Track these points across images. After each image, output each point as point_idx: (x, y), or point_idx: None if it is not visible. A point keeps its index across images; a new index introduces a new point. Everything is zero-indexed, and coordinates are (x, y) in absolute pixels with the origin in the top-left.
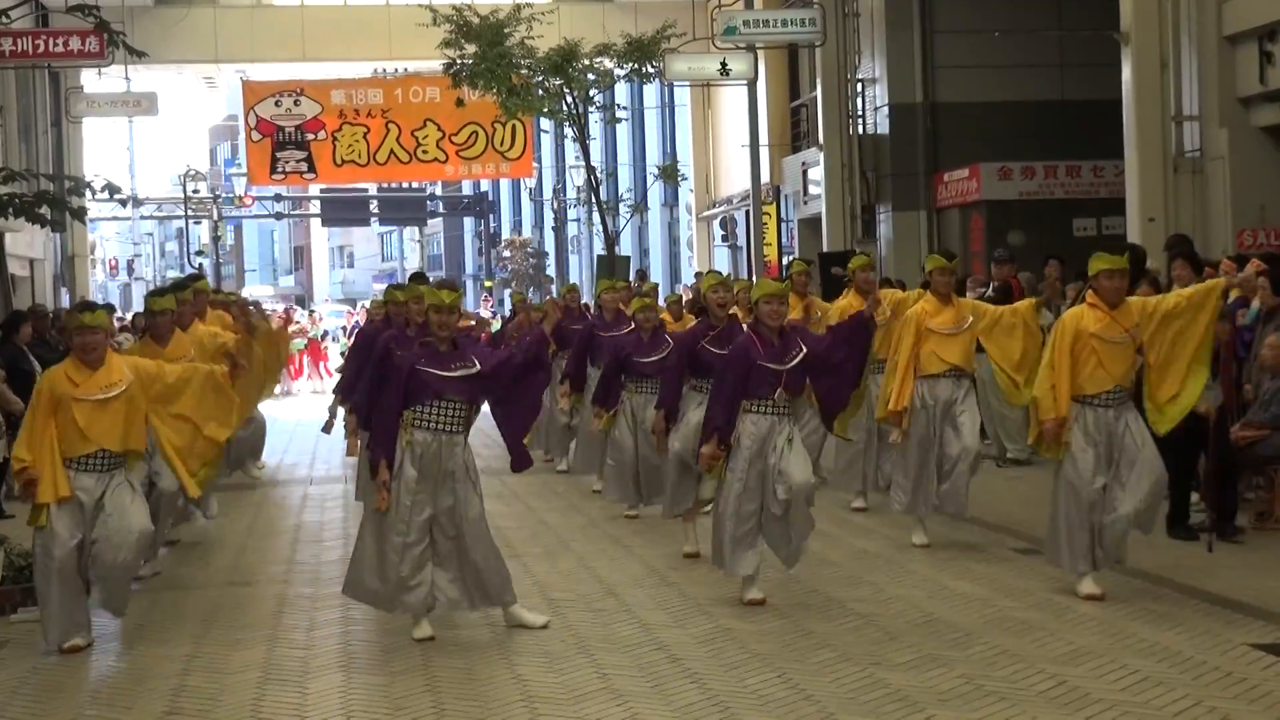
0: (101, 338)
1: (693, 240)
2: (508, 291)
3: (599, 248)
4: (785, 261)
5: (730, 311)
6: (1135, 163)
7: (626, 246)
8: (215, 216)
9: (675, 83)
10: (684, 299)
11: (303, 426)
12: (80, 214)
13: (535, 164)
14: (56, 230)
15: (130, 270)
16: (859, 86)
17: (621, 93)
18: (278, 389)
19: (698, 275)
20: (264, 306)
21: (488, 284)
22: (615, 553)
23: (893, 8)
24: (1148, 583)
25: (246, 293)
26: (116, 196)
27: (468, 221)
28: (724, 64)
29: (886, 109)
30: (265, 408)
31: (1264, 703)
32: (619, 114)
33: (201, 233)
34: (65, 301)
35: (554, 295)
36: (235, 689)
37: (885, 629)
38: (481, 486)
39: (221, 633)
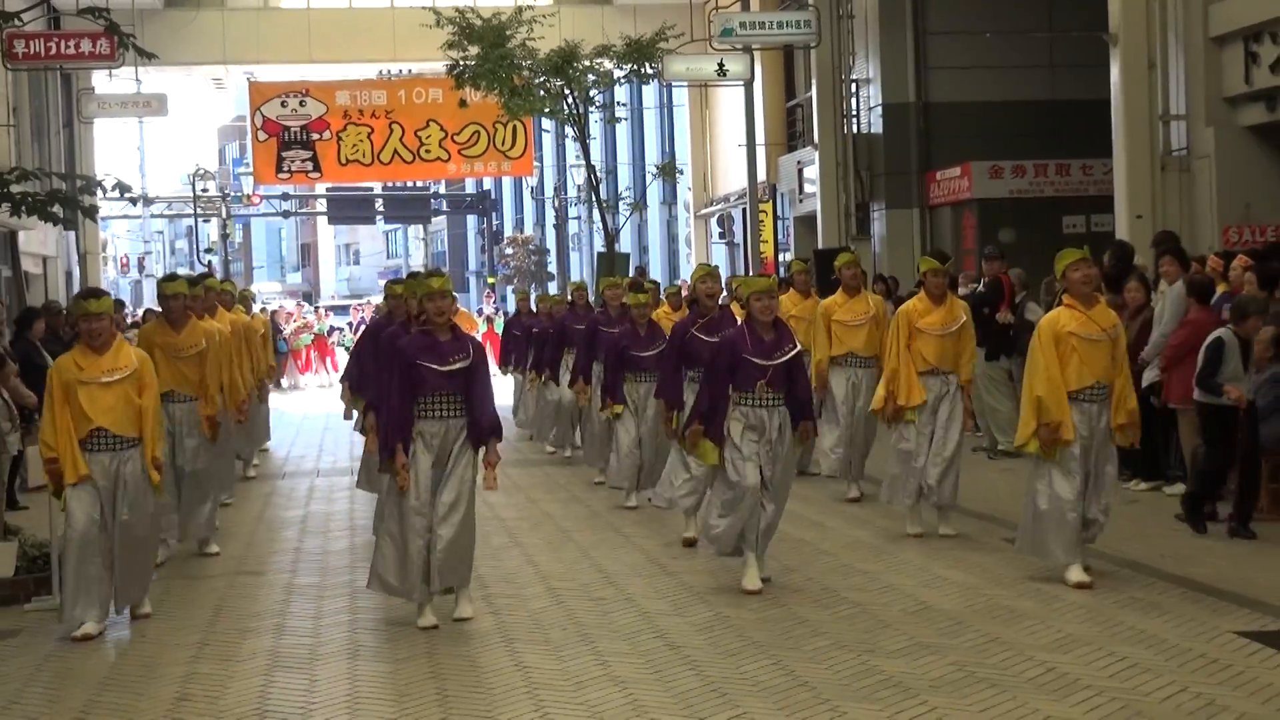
0: (106, 323)
1: (691, 237)
2: (510, 288)
3: (599, 245)
4: (781, 258)
5: (724, 303)
6: (1123, 161)
7: (626, 244)
8: (224, 215)
9: (673, 83)
10: (683, 292)
11: (310, 420)
12: (92, 212)
13: (536, 163)
14: (69, 228)
15: (141, 267)
16: (853, 87)
17: (621, 93)
18: (284, 383)
19: None
20: (267, 306)
21: (491, 280)
22: (616, 542)
23: (886, 10)
24: (1136, 571)
25: (255, 289)
26: (127, 195)
27: (471, 219)
28: (721, 65)
29: (880, 109)
30: (273, 401)
31: (1249, 689)
32: (618, 114)
33: (210, 231)
34: None
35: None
36: (244, 676)
37: (879, 617)
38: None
39: (230, 621)
